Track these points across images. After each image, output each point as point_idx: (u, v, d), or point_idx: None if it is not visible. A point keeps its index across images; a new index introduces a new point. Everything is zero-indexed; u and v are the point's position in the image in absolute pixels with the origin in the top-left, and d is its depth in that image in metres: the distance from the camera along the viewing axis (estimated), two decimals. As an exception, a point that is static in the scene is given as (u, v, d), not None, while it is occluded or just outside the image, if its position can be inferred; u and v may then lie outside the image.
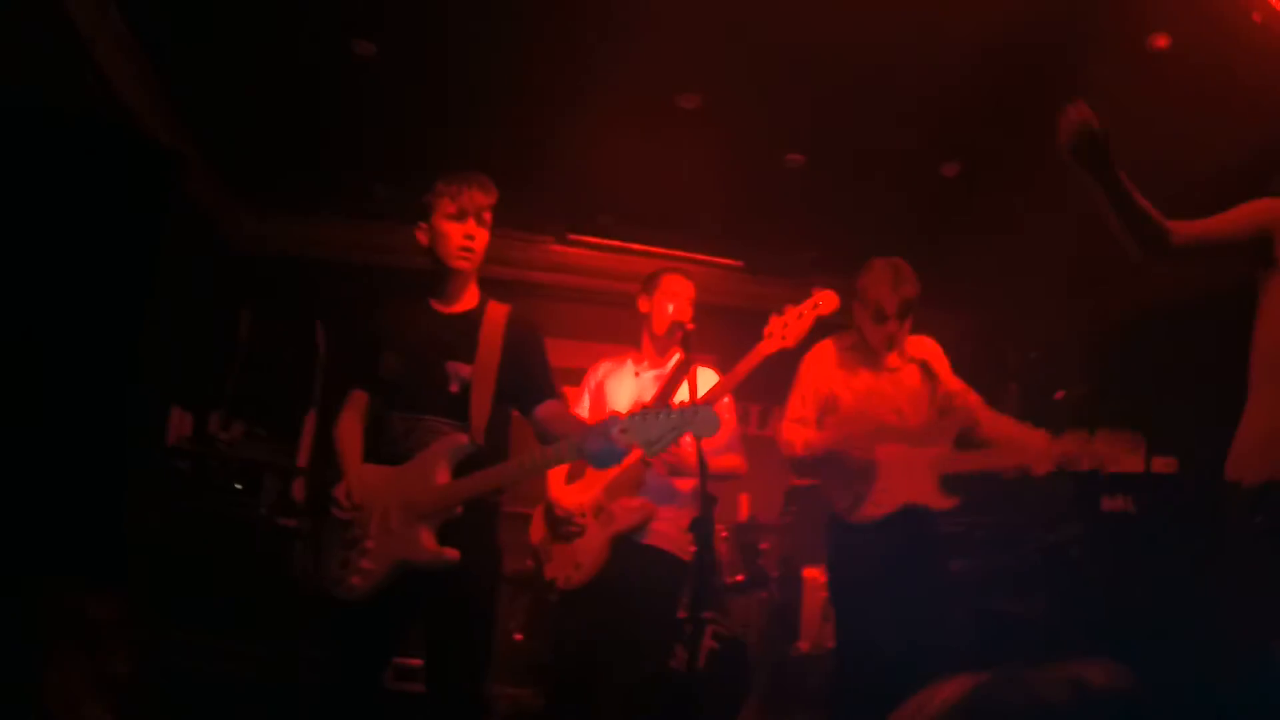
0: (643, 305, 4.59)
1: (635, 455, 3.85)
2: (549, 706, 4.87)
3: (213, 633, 5.08)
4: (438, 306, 3.69)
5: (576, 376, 6.48)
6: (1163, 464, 5.33)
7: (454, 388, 3.55)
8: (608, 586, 4.26)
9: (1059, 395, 5.62)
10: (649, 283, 4.61)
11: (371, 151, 6.68)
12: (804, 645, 6.35)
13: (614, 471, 4.24)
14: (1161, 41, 5.00)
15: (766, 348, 4.22)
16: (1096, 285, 7.65)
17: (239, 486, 5.70)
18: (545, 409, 3.67)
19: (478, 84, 5.66)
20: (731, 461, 4.53)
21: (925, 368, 4.48)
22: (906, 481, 4.23)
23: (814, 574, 6.54)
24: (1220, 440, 3.08)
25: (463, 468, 3.45)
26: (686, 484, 4.40)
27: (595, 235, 8.10)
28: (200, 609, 5.09)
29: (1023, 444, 4.22)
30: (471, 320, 3.65)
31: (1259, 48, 4.80)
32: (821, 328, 4.42)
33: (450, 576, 3.38)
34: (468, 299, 3.71)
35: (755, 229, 7.63)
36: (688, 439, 3.41)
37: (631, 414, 3.21)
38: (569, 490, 4.42)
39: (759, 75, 5.44)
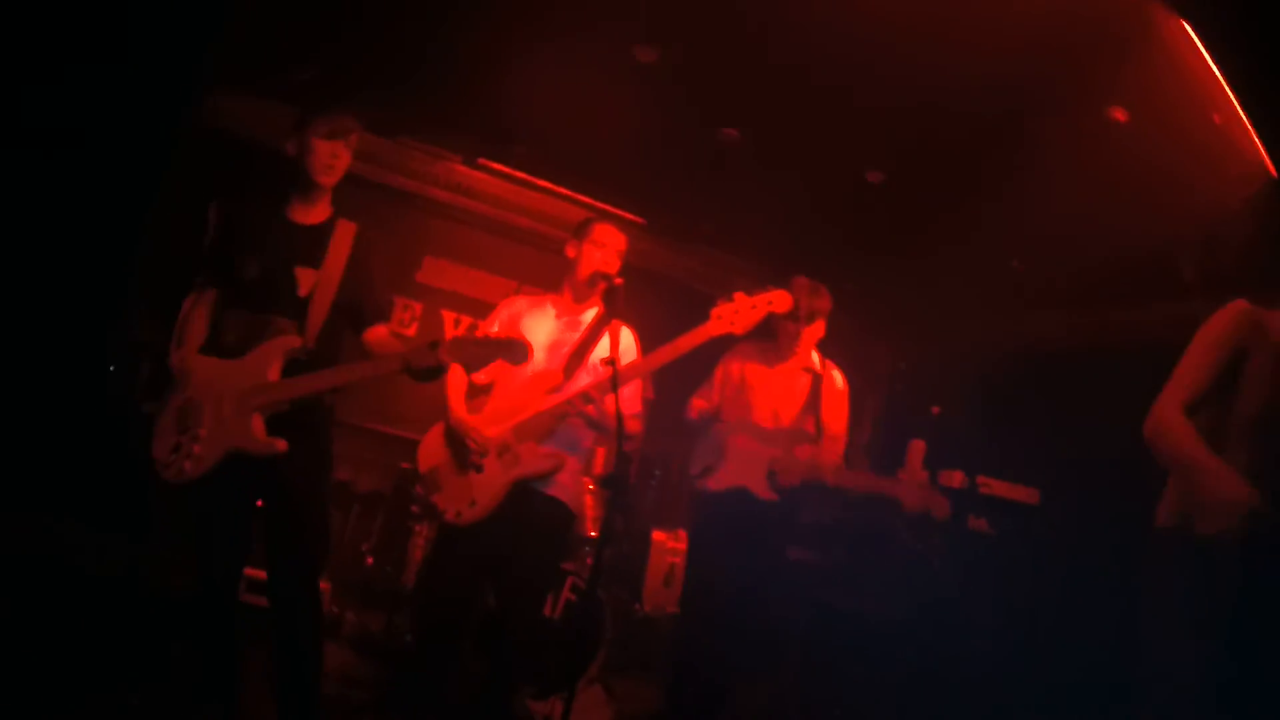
0: (570, 250, 4.60)
1: (556, 400, 4.17)
2: (414, 641, 4.90)
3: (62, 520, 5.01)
4: (293, 215, 3.99)
5: (454, 300, 6.42)
6: (1025, 493, 5.60)
7: (301, 292, 3.85)
8: (499, 528, 4.25)
9: (935, 410, 5.82)
10: (580, 229, 4.63)
11: (301, 38, 6.37)
12: (644, 607, 6.47)
13: (526, 413, 4.30)
14: (1119, 114, 5.21)
15: (713, 329, 4.29)
16: (980, 318, 7.96)
17: (111, 369, 5.56)
18: (373, 333, 4.02)
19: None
20: (637, 426, 4.66)
21: (817, 387, 4.90)
22: (742, 469, 4.77)
23: (662, 537, 6.68)
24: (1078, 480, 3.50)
25: (293, 368, 3.77)
26: (587, 438, 4.50)
27: (506, 165, 7.93)
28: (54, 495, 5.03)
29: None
30: (323, 232, 3.98)
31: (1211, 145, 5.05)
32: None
33: (279, 468, 3.70)
34: (320, 210, 4.02)
35: (668, 190, 7.58)
36: (610, 399, 3.81)
37: (453, 338, 3.66)
38: (476, 420, 4.38)
39: (720, 42, 5.37)
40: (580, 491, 4.47)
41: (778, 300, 4.38)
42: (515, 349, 3.77)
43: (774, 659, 5.51)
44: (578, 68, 5.81)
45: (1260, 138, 5.26)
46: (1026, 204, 5.89)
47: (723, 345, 4.71)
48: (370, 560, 6.52)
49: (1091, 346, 7.23)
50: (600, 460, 6.47)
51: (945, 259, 6.82)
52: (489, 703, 4.25)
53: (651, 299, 4.62)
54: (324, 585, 5.38)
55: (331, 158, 3.92)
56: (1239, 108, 5.03)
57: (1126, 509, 3.79)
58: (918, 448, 4.96)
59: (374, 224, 4.09)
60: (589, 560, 5.75)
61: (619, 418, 3.82)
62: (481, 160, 7.94)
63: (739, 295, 4.33)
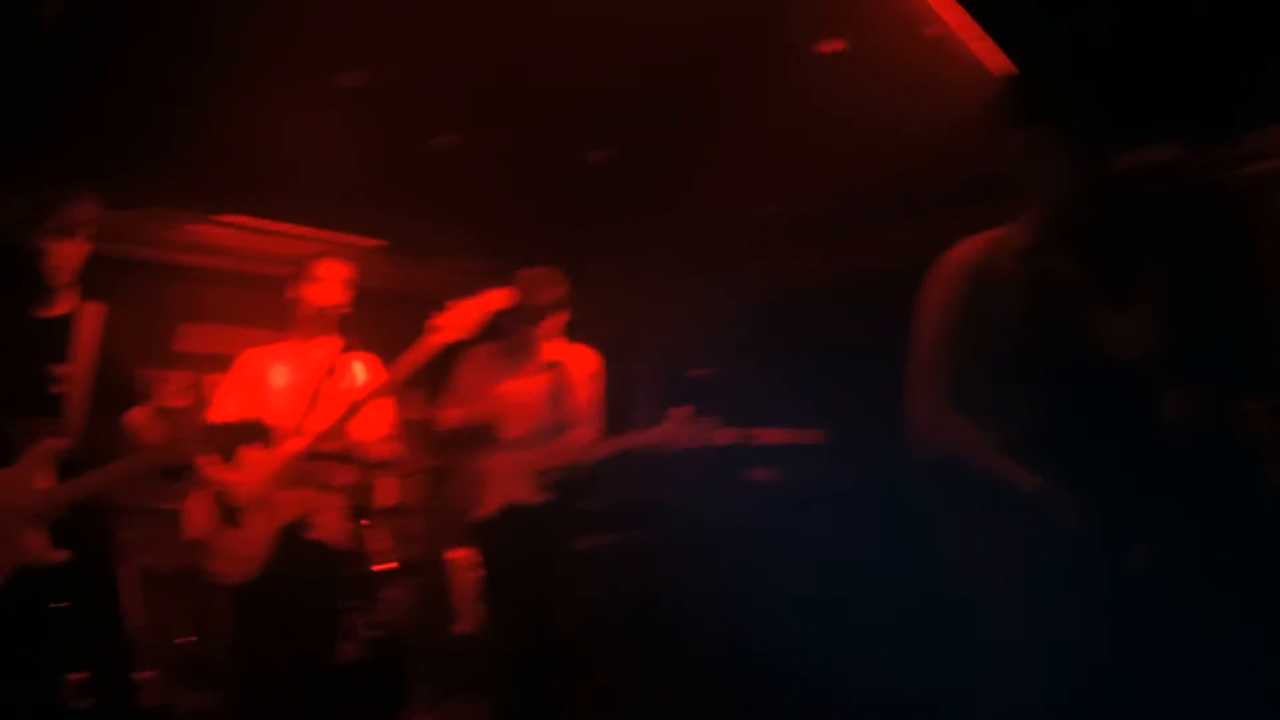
0: (290, 292, 4.59)
1: (299, 444, 3.89)
2: (236, 708, 4.72)
3: None
4: (38, 311, 3.84)
5: (217, 363, 6.19)
6: (806, 435, 5.65)
7: (56, 389, 3.71)
8: (274, 581, 4.25)
9: (698, 373, 5.86)
10: (299, 268, 4.62)
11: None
12: (462, 627, 6.36)
13: (275, 463, 4.25)
14: (831, 46, 5.28)
15: (436, 339, 4.30)
16: (734, 270, 8.05)
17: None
18: (130, 417, 3.93)
19: (119, 45, 5.25)
20: (392, 449, 4.62)
21: (561, 378, 4.79)
22: (506, 485, 4.70)
23: (460, 554, 6.58)
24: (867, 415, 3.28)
25: (67, 469, 3.62)
26: (344, 475, 4.49)
27: (241, 214, 7.71)
28: None
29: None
30: (68, 322, 3.86)
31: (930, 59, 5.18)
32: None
33: (69, 580, 3.56)
34: (65, 301, 3.89)
35: (403, 210, 7.47)
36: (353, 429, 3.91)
37: (197, 429, 3.72)
38: (231, 477, 4.33)
39: (422, 51, 5.33)
40: (345, 529, 4.36)
41: (495, 299, 4.41)
42: (256, 431, 3.76)
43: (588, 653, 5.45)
44: (291, 106, 5.67)
45: (976, 41, 5.50)
46: (765, 150, 5.99)
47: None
48: (187, 639, 6.22)
49: (850, 277, 7.36)
50: (381, 491, 6.36)
51: (695, 219, 6.87)
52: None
53: (400, 318, 4.50)
54: (146, 676, 5.10)
55: (62, 257, 3.79)
56: (945, 18, 5.24)
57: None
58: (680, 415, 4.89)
59: (123, 301, 3.98)
60: (384, 596, 5.60)
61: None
62: (218, 216, 7.68)
63: (454, 303, 4.37)
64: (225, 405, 4.53)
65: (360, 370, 4.56)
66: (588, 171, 6.61)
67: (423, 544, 6.45)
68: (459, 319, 4.30)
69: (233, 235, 7.83)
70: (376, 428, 4.47)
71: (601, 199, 7.00)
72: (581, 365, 4.95)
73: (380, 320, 4.75)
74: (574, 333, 5.07)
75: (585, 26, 4.91)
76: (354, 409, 4.11)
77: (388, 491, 6.29)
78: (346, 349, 4.35)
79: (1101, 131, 3.59)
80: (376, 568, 5.95)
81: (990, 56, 5.41)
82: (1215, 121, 6.70)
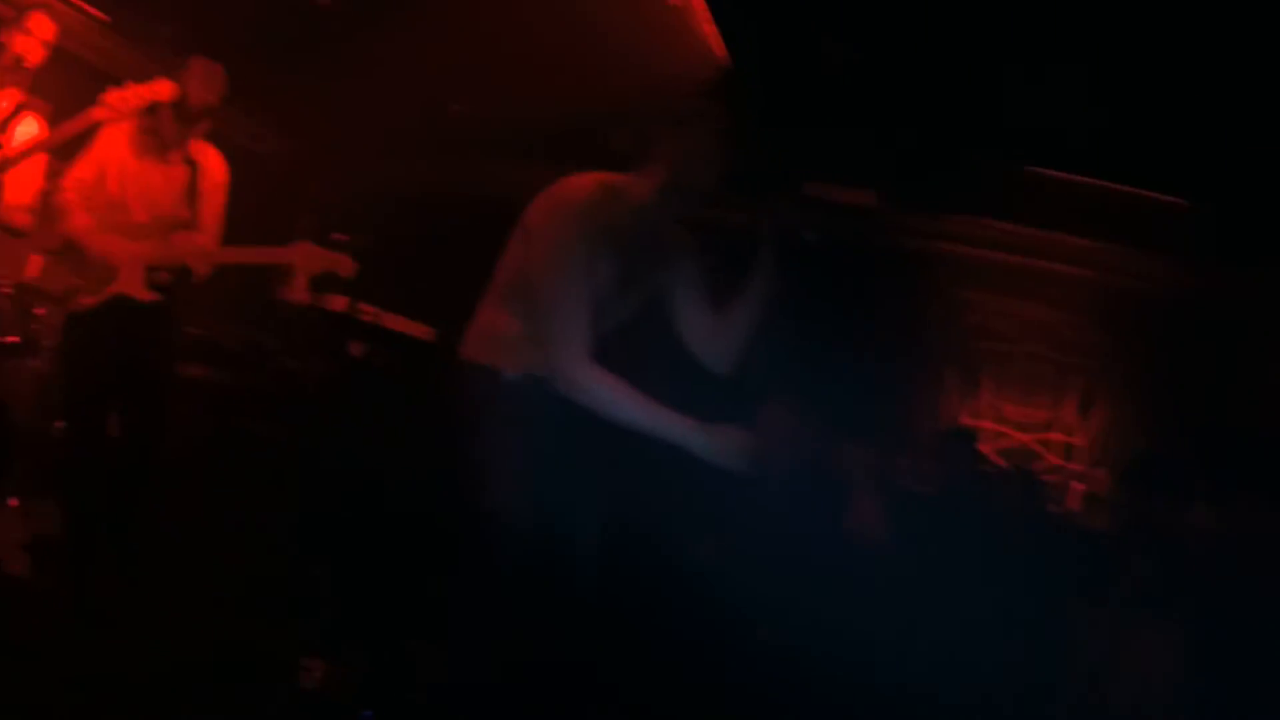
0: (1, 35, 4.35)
1: None
2: None
3: None
4: None
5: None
6: (420, 329, 5.66)
7: None
8: None
9: (338, 237, 5.72)
10: (17, 14, 4.41)
11: None
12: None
13: None
14: None
15: (99, 114, 4.18)
16: (416, 158, 7.96)
17: None
18: None
19: None
20: (28, 218, 4.47)
21: (195, 174, 4.59)
22: (120, 272, 4.40)
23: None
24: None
25: None
26: None
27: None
28: None
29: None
30: None
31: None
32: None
33: None
34: None
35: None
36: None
37: None
38: None
39: None
40: None
41: (162, 89, 4.28)
42: None
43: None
44: None
45: (716, 25, 5.57)
46: (470, 47, 5.88)
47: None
48: None
49: (510, 202, 7.38)
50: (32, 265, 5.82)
51: (384, 95, 6.71)
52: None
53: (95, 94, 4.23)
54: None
55: None
56: None
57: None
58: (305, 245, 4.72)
59: None
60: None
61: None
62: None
63: (129, 83, 4.22)
64: None
65: (30, 128, 4.39)
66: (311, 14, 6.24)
67: (46, 326, 5.90)
68: (126, 99, 4.17)
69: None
70: (21, 192, 4.34)
71: (318, 49, 6.63)
72: (213, 170, 4.71)
73: (74, 90, 4.51)
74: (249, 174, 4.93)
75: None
76: (9, 163, 3.98)
77: (31, 264, 5.74)
78: (24, 106, 4.19)
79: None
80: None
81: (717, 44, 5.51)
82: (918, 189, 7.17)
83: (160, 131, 4.53)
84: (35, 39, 4.38)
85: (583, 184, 2.99)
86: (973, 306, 7.83)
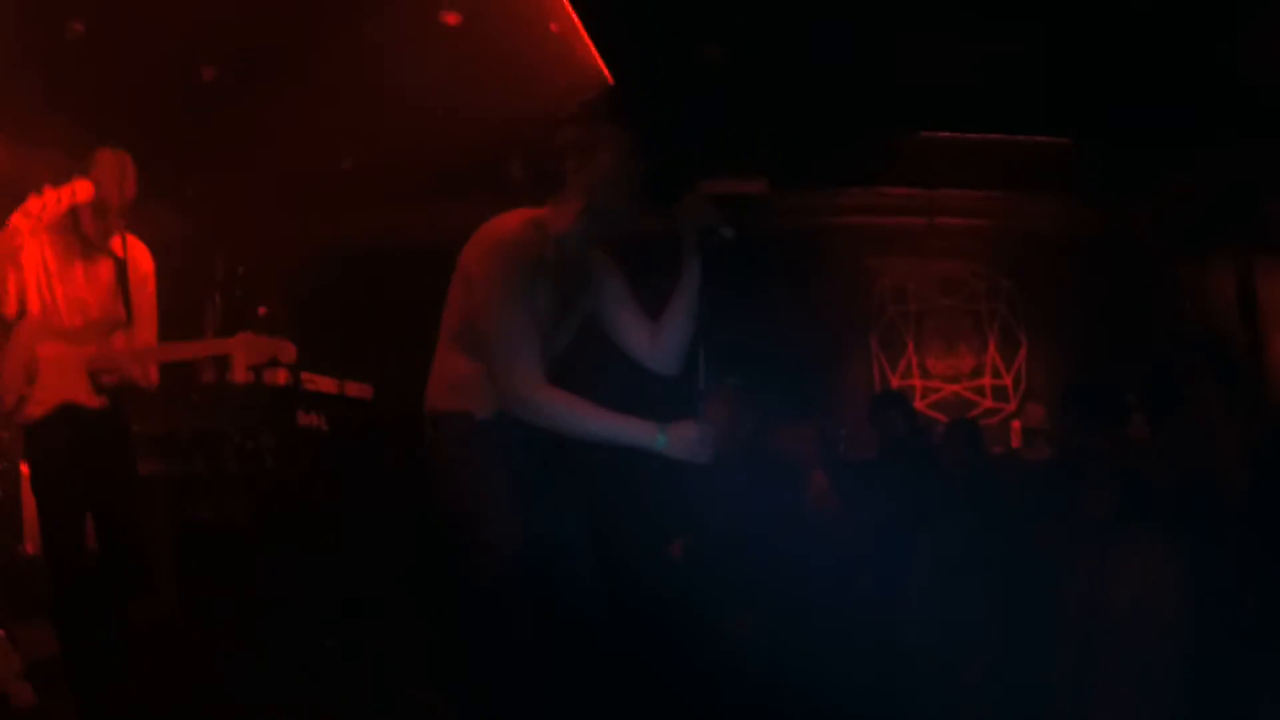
0: None
1: None
2: None
3: None
4: None
5: None
6: (357, 389, 5.75)
7: None
8: None
9: (262, 311, 5.74)
10: None
11: None
12: (30, 547, 5.77)
13: None
14: (451, 19, 5.36)
15: (18, 225, 4.05)
16: (314, 218, 7.99)
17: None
18: None
19: None
20: None
21: (122, 270, 4.46)
22: (63, 381, 4.24)
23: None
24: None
25: None
26: None
27: None
28: None
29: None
30: None
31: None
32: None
33: None
34: None
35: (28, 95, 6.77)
36: None
37: None
38: None
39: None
40: None
41: (80, 190, 4.13)
42: None
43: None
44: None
45: (596, 46, 5.71)
46: (359, 103, 5.94)
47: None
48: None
49: (417, 246, 7.46)
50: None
51: (282, 158, 6.71)
52: None
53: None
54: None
55: None
56: (576, 17, 5.41)
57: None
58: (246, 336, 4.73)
59: None
60: None
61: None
62: None
63: (47, 188, 4.06)
64: None
65: None
66: (200, 92, 6.28)
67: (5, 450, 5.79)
68: (46, 208, 4.06)
69: None
70: None
71: (208, 124, 6.66)
72: (140, 261, 4.59)
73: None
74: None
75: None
76: None
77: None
78: None
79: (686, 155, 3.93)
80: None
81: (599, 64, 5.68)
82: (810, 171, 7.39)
83: (81, 232, 4.41)
84: None
85: (510, 221, 3.08)
86: (882, 273, 8.10)
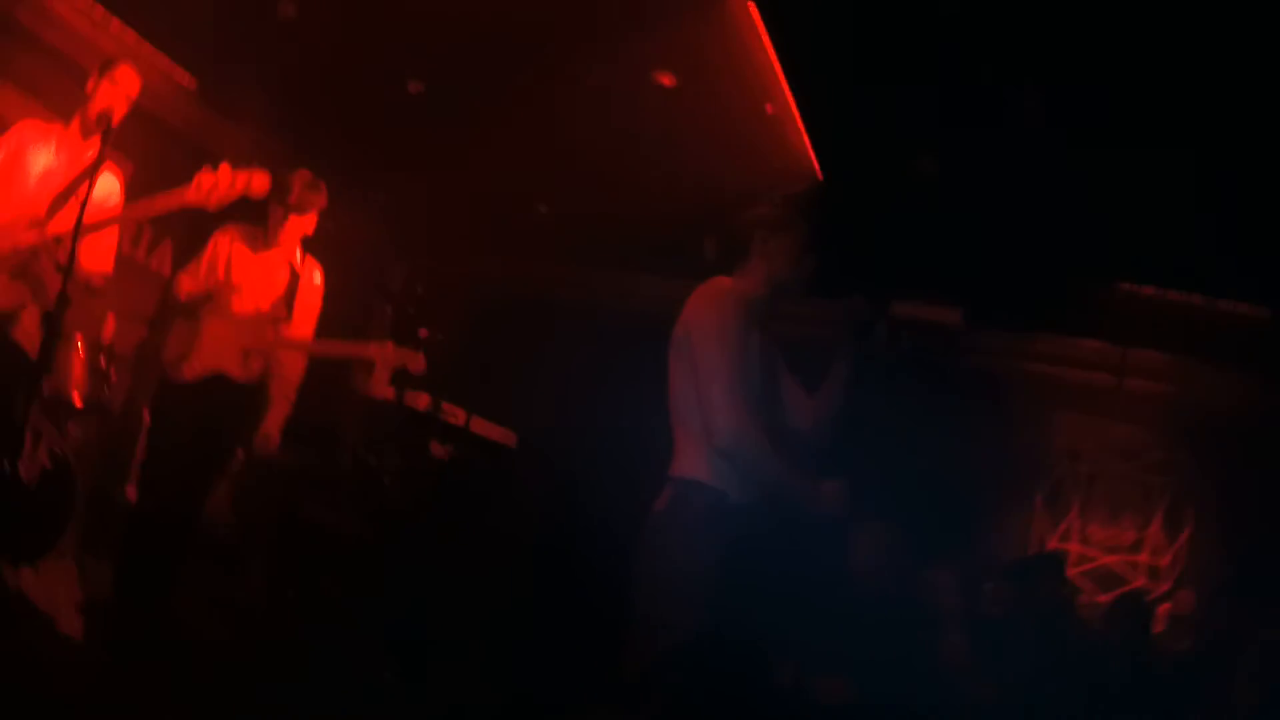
0: (89, 85, 4.33)
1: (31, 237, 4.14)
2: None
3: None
4: None
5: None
6: (500, 433, 5.82)
7: None
8: None
9: (424, 333, 5.80)
10: (105, 66, 4.37)
11: None
12: (131, 494, 5.85)
13: (4, 245, 4.11)
14: (666, 79, 5.33)
15: (190, 196, 4.06)
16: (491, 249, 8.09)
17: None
18: None
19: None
20: (101, 282, 4.42)
21: (295, 283, 4.86)
22: (218, 354, 4.66)
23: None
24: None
25: None
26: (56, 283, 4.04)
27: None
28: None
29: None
30: None
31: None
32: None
33: None
34: None
35: (222, 55, 6.76)
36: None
37: None
38: None
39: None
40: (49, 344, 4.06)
41: (257, 180, 4.18)
42: None
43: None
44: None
45: (810, 138, 5.59)
46: (560, 150, 5.95)
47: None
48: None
49: (597, 304, 7.57)
50: (110, 326, 5.89)
51: (475, 190, 6.77)
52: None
53: (185, 169, 4.22)
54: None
55: None
56: (793, 102, 5.31)
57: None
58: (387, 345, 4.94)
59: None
60: (70, 429, 5.16)
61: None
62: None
63: (224, 167, 4.09)
64: None
65: (112, 186, 4.39)
66: (405, 106, 6.36)
67: (121, 392, 5.96)
68: (219, 186, 4.07)
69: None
70: (101, 257, 4.30)
71: (409, 140, 6.73)
72: (311, 279, 4.95)
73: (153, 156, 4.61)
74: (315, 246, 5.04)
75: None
76: (93, 226, 3.88)
77: (108, 323, 5.79)
78: (103, 160, 3.99)
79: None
80: (75, 399, 5.47)
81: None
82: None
83: (269, 228, 4.79)
84: (121, 91, 4.35)
85: (722, 281, 3.35)
86: (1060, 428, 7.72)
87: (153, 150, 5.12)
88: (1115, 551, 7.41)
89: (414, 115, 6.50)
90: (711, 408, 3.13)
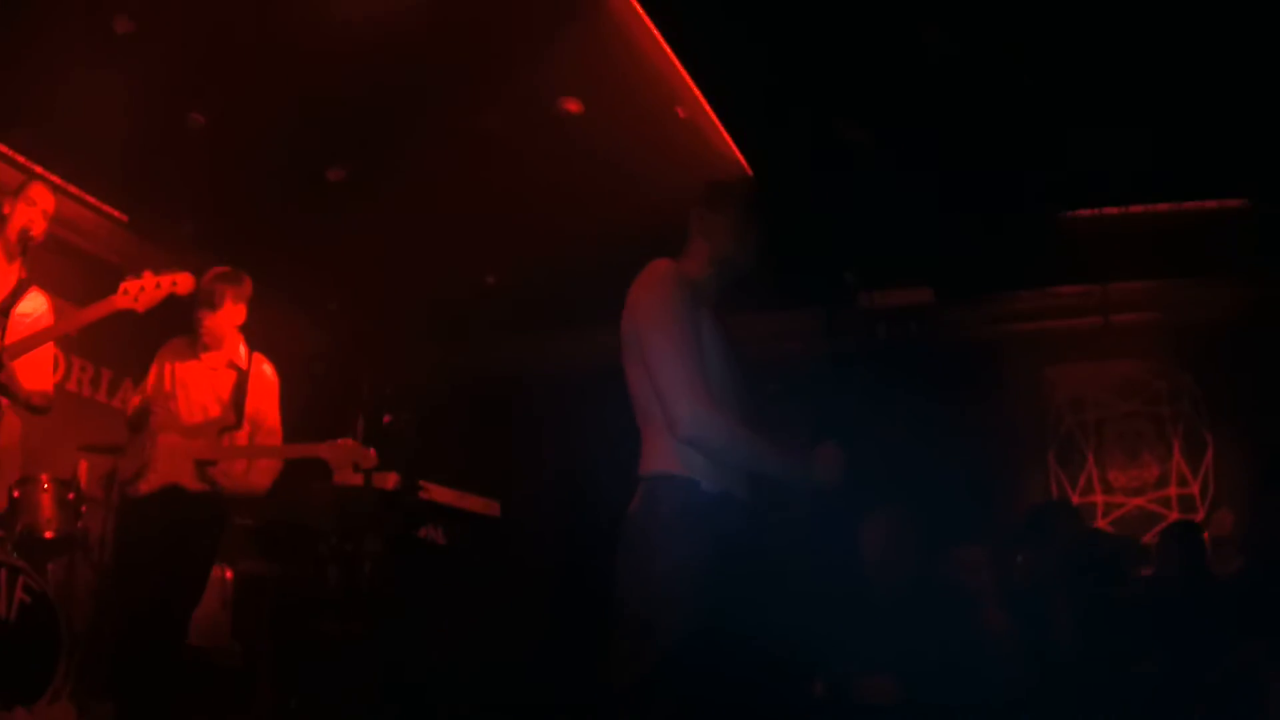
0: (5, 207, 4.58)
1: None
2: None
3: None
4: None
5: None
6: (483, 505, 5.72)
7: None
8: None
9: (386, 419, 5.79)
10: (19, 189, 4.64)
11: None
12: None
13: None
14: (573, 105, 5.24)
15: (118, 303, 4.33)
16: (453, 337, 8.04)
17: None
18: None
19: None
20: (48, 399, 4.65)
21: (243, 382, 4.89)
22: (172, 466, 4.68)
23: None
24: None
25: None
26: None
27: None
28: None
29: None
30: None
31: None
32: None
33: None
34: None
35: (147, 185, 6.67)
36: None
37: None
38: None
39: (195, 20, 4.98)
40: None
41: (181, 281, 4.42)
42: None
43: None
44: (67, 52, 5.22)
45: (729, 131, 5.44)
46: (489, 214, 5.94)
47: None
48: None
49: (550, 371, 7.60)
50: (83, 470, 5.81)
51: (420, 276, 6.78)
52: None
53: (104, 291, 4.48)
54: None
55: None
56: (704, 100, 5.17)
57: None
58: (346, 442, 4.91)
59: None
60: (49, 568, 5.17)
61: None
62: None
63: (147, 273, 4.38)
64: None
65: (39, 305, 4.60)
66: (330, 190, 6.26)
67: (95, 525, 5.84)
68: (145, 290, 4.33)
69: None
70: (39, 374, 4.54)
71: (339, 223, 6.58)
72: (262, 374, 5.00)
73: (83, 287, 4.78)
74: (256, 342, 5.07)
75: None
76: (26, 344, 4.19)
77: (81, 468, 5.72)
78: (29, 282, 4.40)
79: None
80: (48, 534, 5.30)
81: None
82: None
83: (201, 333, 4.82)
84: (38, 209, 4.53)
85: (659, 264, 3.15)
86: (1058, 381, 7.55)
87: (85, 285, 5.29)
88: (1141, 493, 7.18)
89: (333, 206, 6.38)
90: (666, 396, 2.95)
